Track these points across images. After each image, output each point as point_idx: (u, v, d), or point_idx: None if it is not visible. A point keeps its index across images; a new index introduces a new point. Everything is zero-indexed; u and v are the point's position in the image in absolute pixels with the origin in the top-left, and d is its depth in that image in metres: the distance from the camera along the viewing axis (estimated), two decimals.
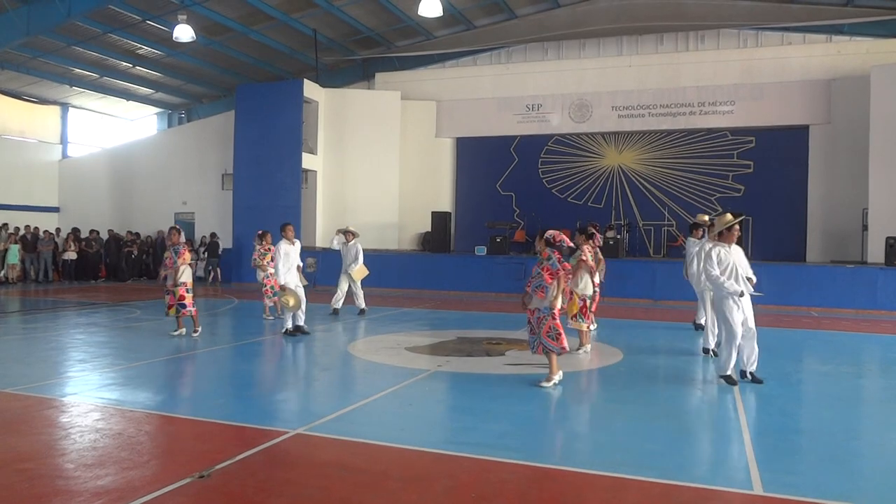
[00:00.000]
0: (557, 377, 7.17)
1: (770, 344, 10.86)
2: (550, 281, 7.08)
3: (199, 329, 10.57)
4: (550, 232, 7.36)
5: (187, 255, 10.47)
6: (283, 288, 10.49)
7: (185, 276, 10.39)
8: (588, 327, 9.37)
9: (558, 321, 7.18)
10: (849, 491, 4.34)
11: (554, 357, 7.17)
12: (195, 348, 9.63)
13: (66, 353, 9.31)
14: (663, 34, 20.45)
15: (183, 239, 10.78)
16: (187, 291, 10.36)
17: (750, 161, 19.85)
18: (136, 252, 22.92)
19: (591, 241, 9.53)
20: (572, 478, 4.49)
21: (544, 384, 7.11)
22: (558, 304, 7.22)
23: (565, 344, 7.16)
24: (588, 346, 9.31)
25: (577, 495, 4.24)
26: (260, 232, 13.07)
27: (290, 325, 10.66)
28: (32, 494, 4.09)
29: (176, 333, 10.41)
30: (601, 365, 8.58)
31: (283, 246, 10.59)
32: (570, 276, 8.17)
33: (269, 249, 12.60)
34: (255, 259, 12.80)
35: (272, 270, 12.49)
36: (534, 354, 7.44)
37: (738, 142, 19.99)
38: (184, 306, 10.33)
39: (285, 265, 10.54)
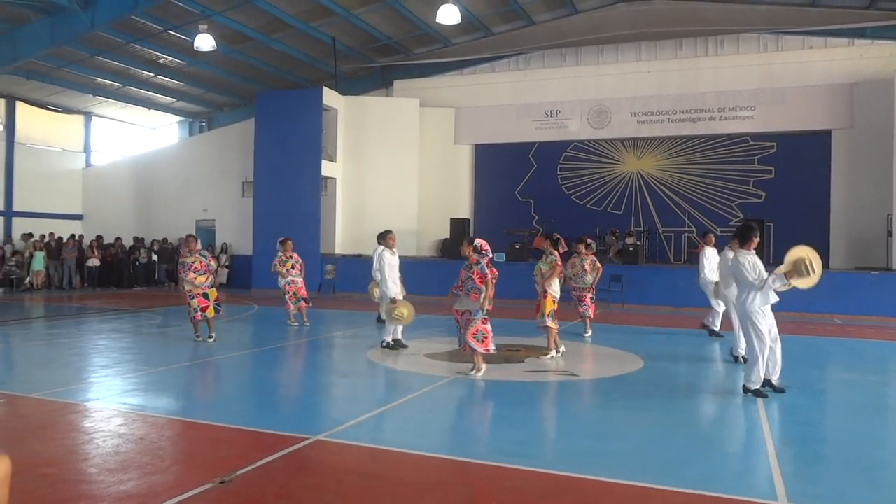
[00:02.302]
0: (483, 370, 7.99)
1: (793, 352, 10.73)
2: (481, 284, 7.86)
3: (200, 336, 10.69)
4: (479, 241, 8.14)
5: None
6: (394, 300, 9.79)
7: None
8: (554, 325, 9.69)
9: (487, 325, 7.95)
10: (875, 501, 4.28)
11: (479, 354, 7.97)
12: (216, 354, 9.71)
13: (89, 358, 9.42)
14: (682, 39, 20.35)
15: (198, 247, 10.95)
16: (191, 297, 10.54)
17: (771, 166, 19.67)
18: (141, 259, 23.02)
19: (557, 248, 9.98)
20: (592, 486, 4.45)
21: (471, 373, 7.94)
22: (487, 306, 7.95)
23: (490, 346, 7.96)
24: (555, 351, 9.55)
25: None
26: (281, 238, 13.02)
27: (389, 338, 10.00)
28: (56, 499, 4.13)
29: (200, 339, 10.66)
30: (621, 372, 8.52)
31: (388, 256, 10.05)
32: (548, 280, 9.56)
33: (291, 256, 12.71)
34: (276, 265, 12.68)
35: (292, 277, 12.61)
36: (461, 351, 8.20)
37: (758, 147, 19.82)
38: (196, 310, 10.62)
39: (391, 276, 9.99)
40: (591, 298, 11.79)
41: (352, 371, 8.70)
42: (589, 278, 11.63)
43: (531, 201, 22.16)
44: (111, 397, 6.91)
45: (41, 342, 11.07)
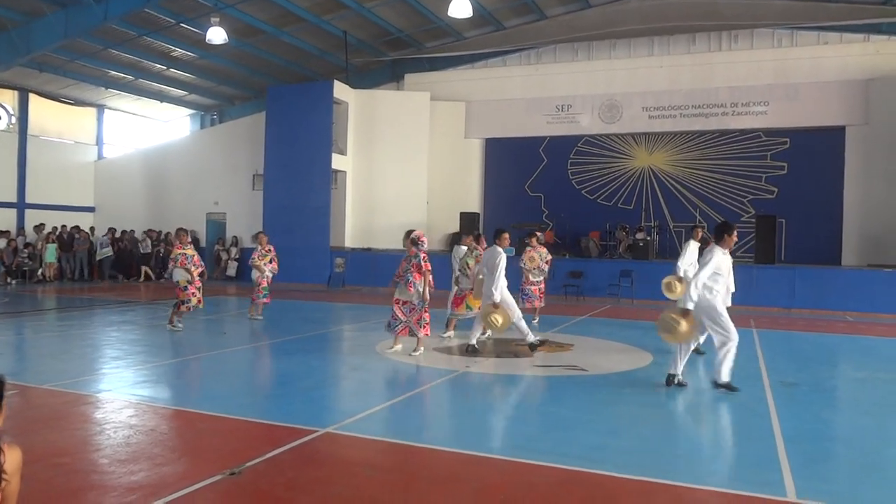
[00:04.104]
0: (421, 350, 8.87)
1: (804, 349, 10.70)
2: (419, 278, 8.67)
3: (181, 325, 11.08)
4: (416, 233, 8.90)
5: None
6: (496, 305, 8.85)
7: (178, 275, 11.02)
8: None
9: (427, 313, 8.80)
10: (886, 499, 4.25)
11: (420, 339, 8.88)
12: (226, 347, 9.76)
13: (101, 350, 9.50)
14: (696, 34, 20.20)
15: (189, 240, 11.42)
16: (183, 290, 10.98)
17: (784, 162, 19.52)
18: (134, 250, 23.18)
19: (477, 243, 10.77)
20: (602, 481, 4.45)
21: (413, 353, 8.78)
22: (427, 296, 8.74)
23: (428, 331, 8.90)
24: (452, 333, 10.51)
25: (607, 499, 4.21)
26: (256, 233, 13.50)
27: (474, 341, 9.31)
28: (69, 489, 4.17)
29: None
30: (631, 368, 8.51)
31: (505, 256, 9.10)
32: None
33: (270, 251, 13.02)
34: (255, 259, 12.88)
35: (269, 273, 12.94)
36: (391, 332, 8.99)
37: (771, 143, 19.67)
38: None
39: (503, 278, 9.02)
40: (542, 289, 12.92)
41: (361, 364, 8.71)
42: (545, 270, 12.86)
43: (541, 196, 22.09)
44: (122, 388, 6.95)
45: (54, 334, 11.15)
